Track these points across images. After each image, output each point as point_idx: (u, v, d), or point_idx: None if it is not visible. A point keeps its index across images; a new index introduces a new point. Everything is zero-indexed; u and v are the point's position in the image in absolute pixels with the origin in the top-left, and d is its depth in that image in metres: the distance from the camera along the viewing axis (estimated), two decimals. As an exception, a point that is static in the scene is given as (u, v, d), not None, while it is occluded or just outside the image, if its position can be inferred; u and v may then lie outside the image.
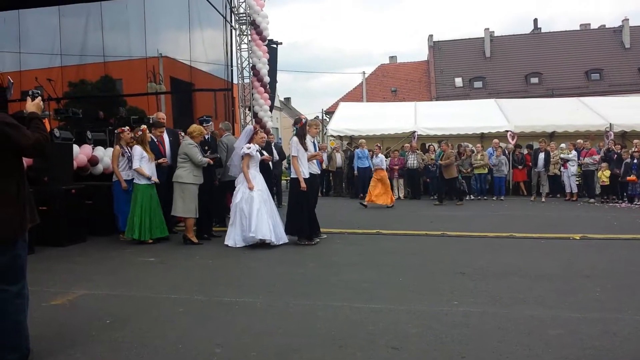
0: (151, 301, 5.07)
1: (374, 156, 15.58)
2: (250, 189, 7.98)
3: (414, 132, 18.29)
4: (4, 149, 3.24)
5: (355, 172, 17.12)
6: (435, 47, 47.42)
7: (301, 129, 8.32)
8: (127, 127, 8.99)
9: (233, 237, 8.01)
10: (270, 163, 9.89)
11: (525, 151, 17.22)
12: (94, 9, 15.72)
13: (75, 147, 9.20)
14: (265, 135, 10.15)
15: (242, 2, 15.43)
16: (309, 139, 8.48)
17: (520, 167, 16.92)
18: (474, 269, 6.30)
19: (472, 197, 16.33)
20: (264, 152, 9.06)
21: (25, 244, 3.44)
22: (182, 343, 3.89)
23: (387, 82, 46.71)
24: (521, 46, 45.14)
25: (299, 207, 8.16)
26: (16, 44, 15.93)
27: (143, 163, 8.26)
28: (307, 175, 8.18)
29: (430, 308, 4.71)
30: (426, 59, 48.43)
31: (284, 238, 8.15)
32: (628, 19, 43.86)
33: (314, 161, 8.54)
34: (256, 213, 7.84)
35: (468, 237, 8.90)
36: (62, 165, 8.44)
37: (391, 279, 5.90)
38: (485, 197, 16.35)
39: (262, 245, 7.90)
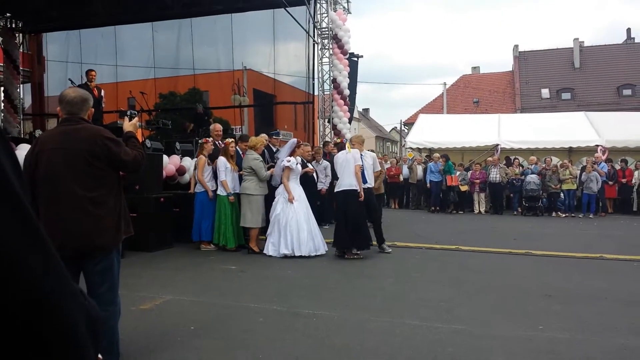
0: (233, 309, 5.22)
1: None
2: (290, 201, 8.18)
3: (497, 145, 17.78)
4: (105, 162, 3.38)
5: (428, 185, 16.87)
6: (521, 57, 45.91)
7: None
8: (211, 138, 9.32)
9: (273, 246, 8.22)
10: (314, 176, 9.87)
11: (618, 166, 16.24)
12: (185, 24, 16.53)
13: (164, 157, 9.62)
14: (310, 149, 10.25)
15: (325, 17, 15.65)
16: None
17: (610, 183, 15.97)
18: (560, 292, 6.01)
19: (561, 215, 15.62)
20: (308, 164, 9.15)
21: (118, 254, 3.54)
22: (262, 353, 3.97)
23: (469, 93, 45.62)
24: (613, 57, 42.81)
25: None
26: (113, 58, 16.97)
27: (227, 174, 8.53)
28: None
29: (514, 332, 4.55)
30: (511, 69, 46.99)
31: (322, 249, 8.26)
32: None
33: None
34: (296, 227, 8.08)
35: (555, 256, 8.48)
36: (152, 174, 8.84)
37: (473, 299, 5.76)
38: (573, 215, 15.58)
39: (339, 257, 8.00)
